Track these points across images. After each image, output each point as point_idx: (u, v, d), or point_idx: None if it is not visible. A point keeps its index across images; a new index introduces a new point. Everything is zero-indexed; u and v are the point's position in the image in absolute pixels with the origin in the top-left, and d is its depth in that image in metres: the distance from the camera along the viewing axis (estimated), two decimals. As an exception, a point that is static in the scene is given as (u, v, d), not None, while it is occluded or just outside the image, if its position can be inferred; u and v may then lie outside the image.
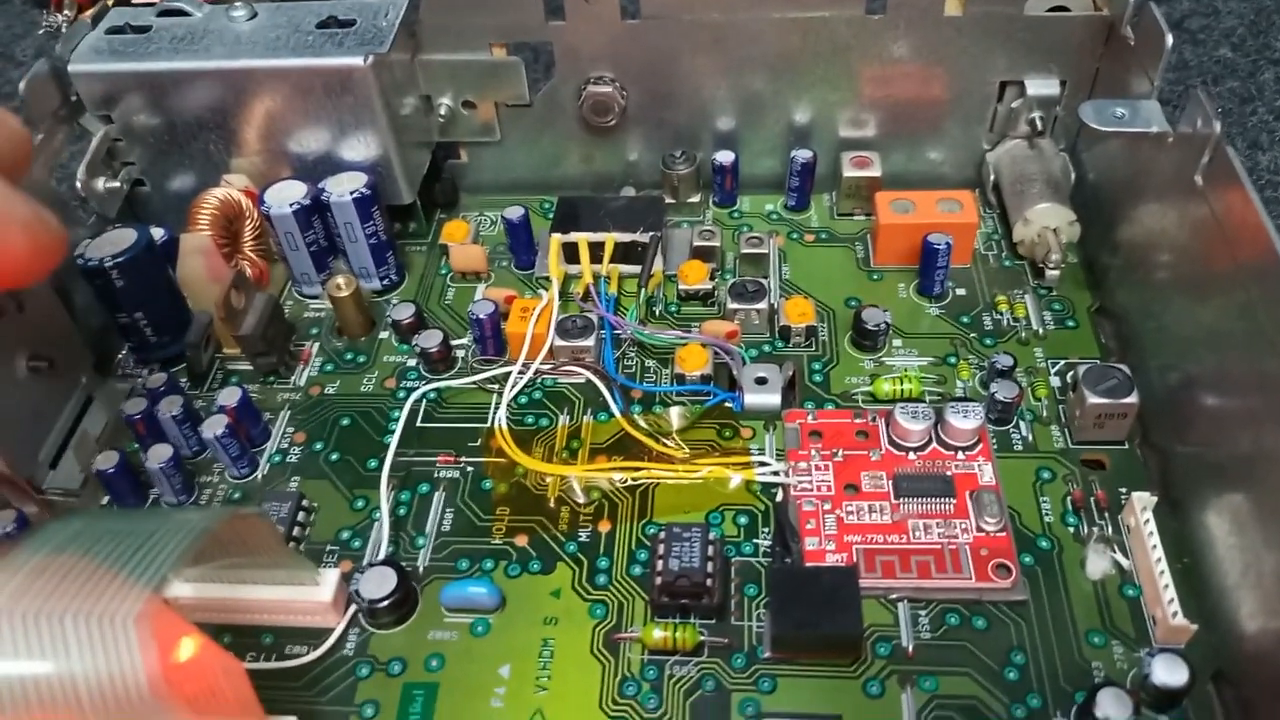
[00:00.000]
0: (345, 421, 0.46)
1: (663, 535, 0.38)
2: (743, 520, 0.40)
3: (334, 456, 0.44)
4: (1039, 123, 0.50)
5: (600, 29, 0.49)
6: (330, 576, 0.38)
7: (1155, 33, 0.43)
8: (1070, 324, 0.47)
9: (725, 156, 0.53)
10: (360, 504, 0.42)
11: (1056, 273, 0.48)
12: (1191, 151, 0.40)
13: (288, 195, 0.48)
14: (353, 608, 0.38)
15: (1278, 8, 0.68)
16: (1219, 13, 0.68)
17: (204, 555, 0.37)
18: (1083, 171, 0.50)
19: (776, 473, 0.41)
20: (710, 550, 0.37)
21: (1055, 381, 0.44)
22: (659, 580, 0.36)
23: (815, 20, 0.49)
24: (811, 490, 0.40)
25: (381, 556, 0.40)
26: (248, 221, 0.49)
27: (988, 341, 0.46)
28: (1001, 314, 0.48)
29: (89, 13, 0.58)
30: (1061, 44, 0.48)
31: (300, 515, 0.42)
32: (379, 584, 0.38)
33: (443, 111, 0.52)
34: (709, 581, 0.36)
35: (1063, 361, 0.45)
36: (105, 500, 0.43)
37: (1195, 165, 0.39)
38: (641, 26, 0.49)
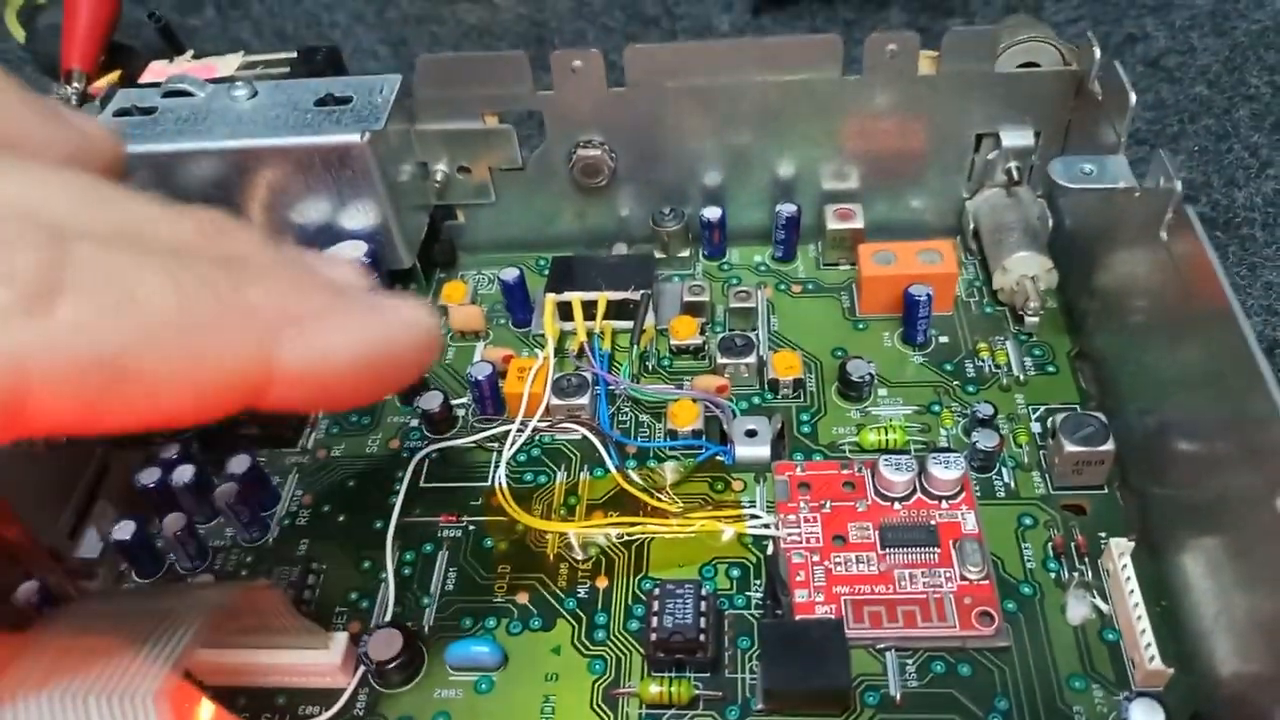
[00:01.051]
0: (352, 483, 0.47)
1: (657, 592, 0.39)
2: (735, 573, 0.42)
3: (341, 518, 0.46)
4: (1015, 172, 0.52)
5: (587, 96, 0.51)
6: (339, 640, 0.40)
7: (1120, 90, 0.45)
8: (1050, 369, 0.49)
9: (713, 212, 0.55)
10: (367, 565, 0.44)
11: (1036, 320, 0.49)
12: (1157, 205, 0.41)
13: (291, 265, 0.50)
14: (361, 669, 0.40)
15: (1251, 44, 0.69)
16: (1195, 50, 0.70)
17: (219, 624, 0.39)
18: (1060, 218, 0.52)
19: (767, 525, 0.43)
20: (703, 606, 0.39)
21: (1036, 428, 0.46)
22: (654, 637, 0.38)
23: (795, 82, 0.50)
24: (800, 542, 0.42)
25: (388, 617, 0.42)
26: (254, 291, 0.51)
27: (970, 389, 0.48)
28: (983, 361, 0.49)
29: (98, 86, 0.61)
30: (1034, 98, 0.50)
31: (309, 579, 0.43)
32: (386, 646, 0.39)
33: (438, 177, 0.54)
34: (702, 637, 0.38)
35: (1043, 407, 0.47)
36: (124, 567, 0.45)
37: (1159, 219, 0.41)
38: (627, 93, 0.51)
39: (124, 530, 0.44)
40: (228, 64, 0.53)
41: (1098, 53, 0.47)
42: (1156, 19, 0.73)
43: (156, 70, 0.54)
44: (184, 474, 0.45)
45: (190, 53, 0.55)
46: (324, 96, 0.50)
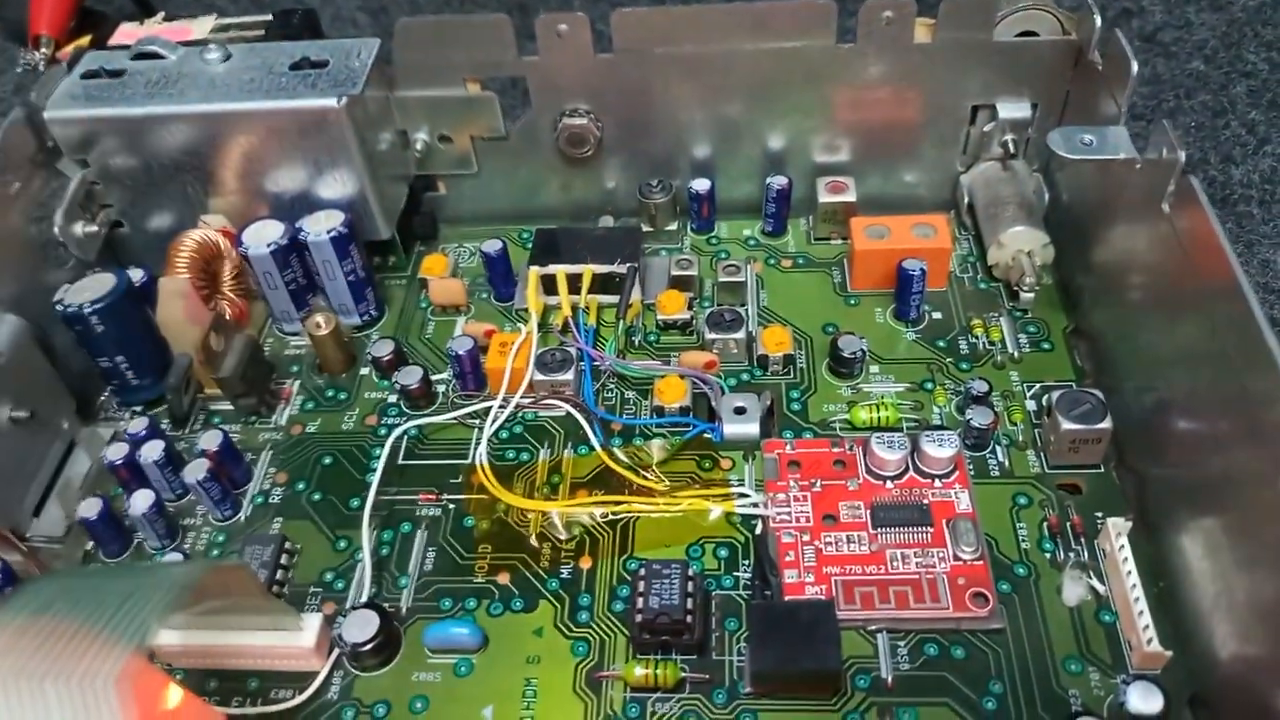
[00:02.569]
0: (327, 460, 0.46)
1: (642, 572, 0.38)
2: (723, 553, 0.41)
3: (316, 496, 0.44)
4: (1011, 145, 0.51)
5: (573, 63, 0.50)
6: (313, 621, 0.38)
7: (1122, 59, 0.43)
8: (1045, 346, 0.47)
9: (701, 184, 0.53)
10: (343, 544, 0.43)
11: (1031, 296, 0.48)
12: (1159, 177, 0.40)
13: (265, 235, 0.48)
14: (336, 651, 0.39)
15: (1249, 19, 0.68)
16: (1191, 25, 0.68)
17: (186, 604, 0.37)
18: (1056, 192, 0.51)
19: (755, 504, 0.42)
20: (690, 586, 0.37)
21: (1031, 405, 0.45)
22: (639, 619, 0.37)
23: (787, 50, 0.49)
24: (790, 522, 0.40)
25: (364, 598, 0.40)
26: (226, 262, 0.50)
27: (964, 366, 0.47)
28: (977, 337, 0.48)
29: (65, 51, 0.59)
30: (1031, 68, 0.49)
31: (283, 558, 0.42)
32: (361, 628, 0.38)
33: (419, 146, 0.53)
34: (689, 619, 0.37)
35: (1038, 385, 0.46)
36: (89, 546, 0.44)
37: (1162, 191, 0.40)
38: (615, 59, 0.50)
39: (90, 508, 0.42)
40: (200, 26, 0.51)
41: (1098, 21, 0.45)
42: (1153, -8, 0.72)
43: (126, 32, 0.52)
44: (153, 450, 0.44)
45: (161, 14, 0.53)
46: (299, 60, 0.48)
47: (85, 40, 0.60)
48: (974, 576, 0.38)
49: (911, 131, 0.52)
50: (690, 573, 0.38)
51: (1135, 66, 0.42)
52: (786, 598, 0.38)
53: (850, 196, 0.52)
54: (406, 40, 0.49)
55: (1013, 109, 0.50)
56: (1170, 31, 0.67)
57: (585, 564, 0.41)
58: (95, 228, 0.50)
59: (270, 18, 0.52)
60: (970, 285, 0.51)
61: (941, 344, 0.48)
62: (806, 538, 0.40)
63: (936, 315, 0.49)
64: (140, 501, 0.42)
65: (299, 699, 0.38)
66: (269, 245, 0.48)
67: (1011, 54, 0.48)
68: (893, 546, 0.39)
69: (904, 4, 0.47)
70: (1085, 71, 0.47)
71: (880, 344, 0.48)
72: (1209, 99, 0.63)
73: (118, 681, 0.29)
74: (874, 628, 0.38)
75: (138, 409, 0.49)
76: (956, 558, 0.39)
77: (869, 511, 0.40)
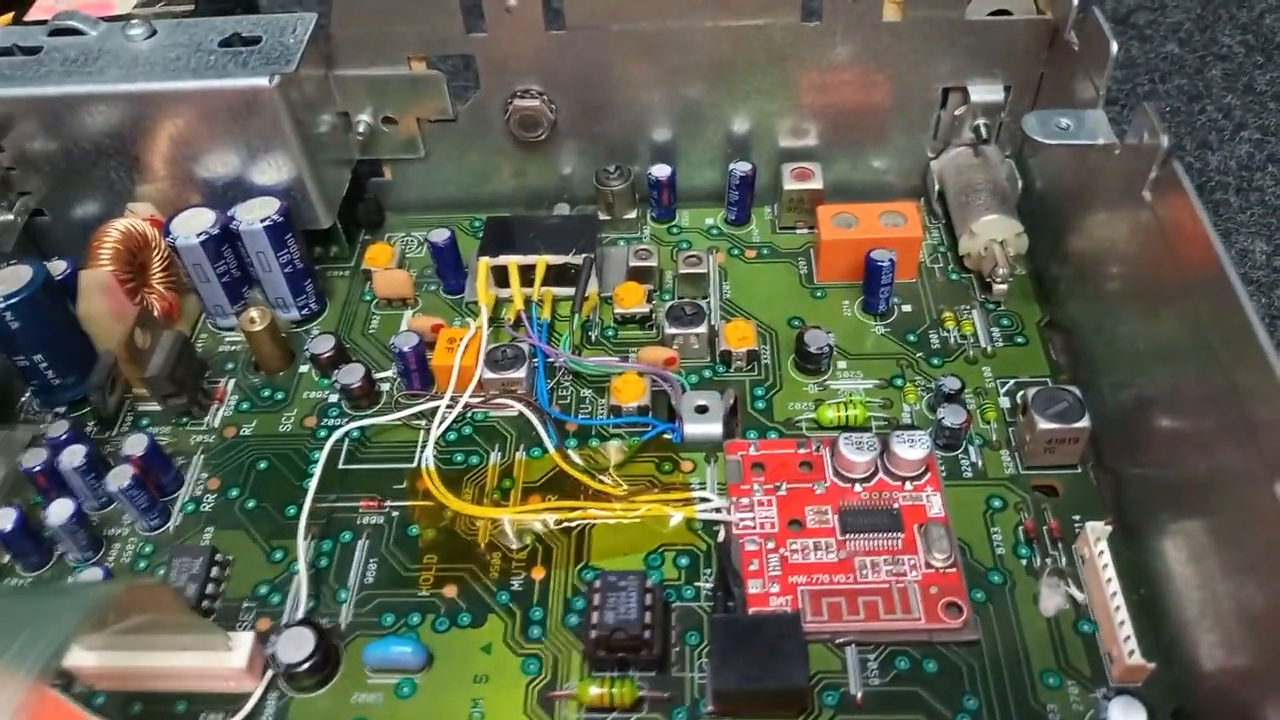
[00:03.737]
0: (263, 465, 0.43)
1: (598, 584, 0.35)
2: (684, 562, 0.38)
3: (250, 504, 0.42)
4: (984, 130, 0.49)
5: (524, 40, 0.47)
6: (243, 640, 0.36)
7: (1099, 39, 0.41)
8: (1019, 340, 0.46)
9: (661, 170, 0.51)
10: (279, 555, 0.40)
11: (1004, 287, 0.46)
12: (1139, 162, 0.38)
13: (195, 224, 0.45)
14: (270, 672, 0.36)
15: (1223, 2, 0.67)
16: (1166, 7, 0.67)
17: (104, 623, 0.35)
18: (1030, 179, 0.49)
19: (718, 509, 0.39)
20: (648, 599, 0.35)
21: (1005, 403, 0.43)
22: (594, 634, 0.34)
23: (750, 28, 0.47)
24: (754, 528, 0.38)
25: (300, 614, 0.38)
26: (155, 252, 0.47)
27: (935, 361, 0.45)
28: (948, 331, 0.46)
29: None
30: (1004, 49, 0.47)
31: (214, 570, 0.39)
32: (297, 646, 0.35)
33: (361, 129, 0.50)
34: (647, 634, 0.34)
35: (1012, 381, 0.44)
36: (6, 559, 0.40)
37: (1143, 177, 0.38)
38: (568, 37, 0.47)
39: (5, 519, 0.39)
40: (123, 1, 0.48)
41: (1075, 0, 0.43)
42: (1125, -26, 0.70)
43: (43, 6, 0.48)
44: (74, 456, 0.41)
45: (82, -12, 0.50)
46: (230, 37, 0.45)
47: (8, 18, 0.57)
48: (947, 585, 0.36)
49: (880, 115, 0.50)
50: (649, 584, 0.35)
51: (1114, 47, 0.40)
52: (751, 610, 0.36)
53: (816, 183, 0.50)
54: (346, 14, 0.46)
55: (985, 92, 0.48)
56: (1144, 14, 0.66)
57: (538, 575, 0.38)
58: (12, 217, 0.47)
59: (201, -8, 0.49)
60: (941, 276, 0.49)
61: (912, 338, 0.46)
62: (771, 545, 0.38)
63: (906, 308, 0.47)
64: (59, 511, 0.39)
65: (230, 724, 0.35)
66: (199, 235, 0.45)
67: (984, 34, 0.46)
68: (862, 554, 0.37)
69: (872, -20, 0.45)
70: (1060, 53, 0.45)
71: (848, 338, 0.46)
72: (1184, 83, 0.61)
73: (16, 713, 0.26)
74: (842, 640, 0.36)
75: (60, 410, 0.46)
76: (929, 565, 0.37)
77: (837, 517, 0.38)
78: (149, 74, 0.44)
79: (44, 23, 0.47)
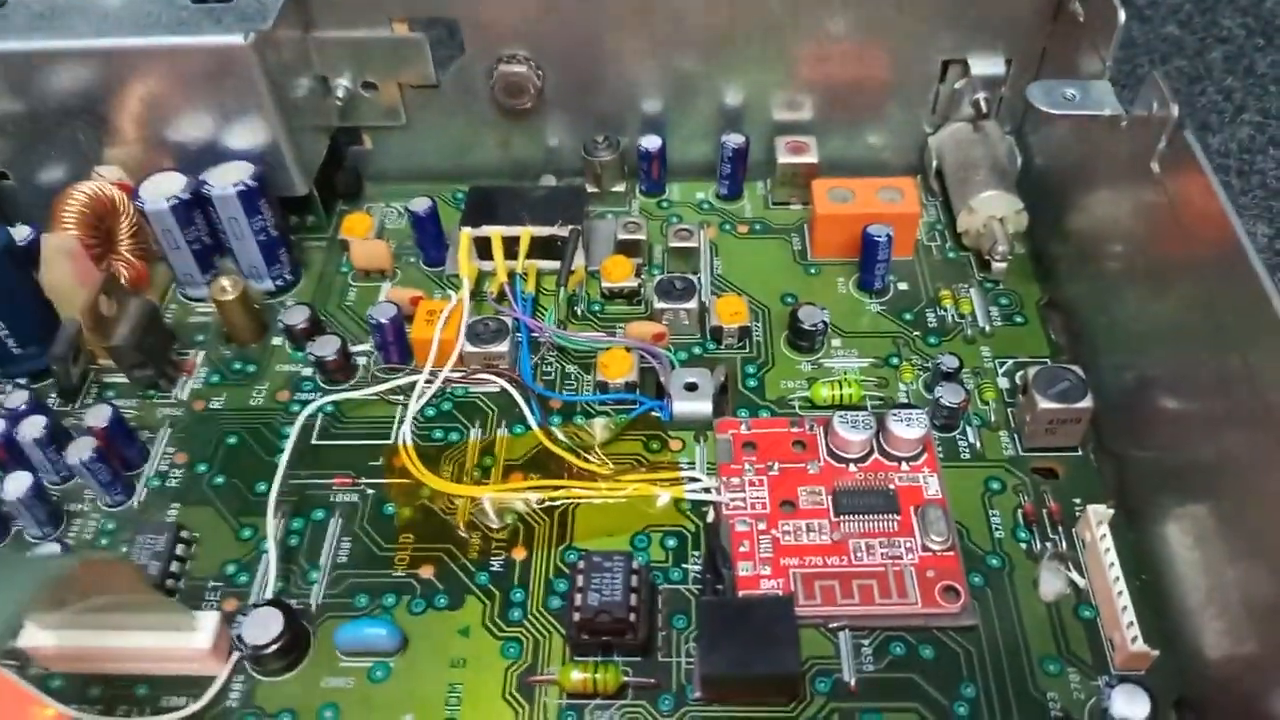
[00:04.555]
0: (232, 440, 0.41)
1: (582, 565, 0.34)
2: (671, 543, 0.37)
3: (219, 480, 0.40)
4: (983, 104, 0.47)
5: (511, 3, 0.45)
6: (209, 621, 0.34)
7: (1107, 9, 0.40)
8: (1018, 319, 0.44)
9: (651, 142, 0.49)
10: (247, 533, 0.38)
11: (1003, 266, 0.45)
12: (1146, 136, 0.37)
13: (165, 189, 0.43)
14: (236, 654, 0.34)
15: (1224, -17, 0.66)
16: (1165, -13, 0.66)
17: (61, 601, 0.33)
18: (1030, 155, 0.48)
19: (707, 489, 0.38)
20: (634, 581, 0.34)
21: (1004, 383, 0.42)
22: (577, 616, 0.33)
23: (745, -6, 0.45)
24: (745, 508, 0.37)
25: (268, 594, 0.36)
26: (123, 218, 0.45)
27: (932, 340, 0.43)
28: (946, 310, 0.45)
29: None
30: (1007, 20, 0.46)
31: (179, 548, 0.37)
32: (264, 627, 0.34)
33: (340, 94, 0.48)
34: (632, 617, 0.33)
35: (1011, 361, 0.43)
36: (-40, 534, 0.39)
37: (1150, 150, 0.36)
38: (556, 1, 0.45)
39: (-42, 492, 0.37)
40: (93, -45, 0.46)
41: (1082, -33, 0.42)
42: (1126, -46, 0.69)
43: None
44: (34, 427, 0.39)
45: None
46: (204, -8, 0.43)
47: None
48: (944, 569, 0.35)
49: (877, 88, 0.49)
50: (635, 565, 0.34)
51: (1123, 15, 0.39)
52: (740, 593, 0.34)
53: (811, 158, 0.49)
54: (326, -27, 0.44)
55: (986, 65, 0.47)
56: (1144, -6, 0.65)
57: (519, 555, 0.37)
58: (-28, 178, 0.45)
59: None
60: (938, 254, 0.47)
61: (908, 316, 0.44)
62: (762, 526, 0.36)
63: (903, 286, 0.46)
64: (15, 485, 0.37)
65: (194, 707, 0.34)
66: (169, 200, 0.43)
67: (985, 5, 0.45)
68: (856, 536, 0.36)
69: (872, -55, 0.43)
70: (1065, 24, 0.44)
71: (843, 316, 0.44)
72: (1185, 64, 0.60)
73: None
74: (835, 625, 0.34)
75: (21, 381, 0.44)
76: (925, 548, 0.35)
77: (831, 497, 0.37)
78: (119, 30, 0.42)
79: (8, -25, 0.44)
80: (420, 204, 0.46)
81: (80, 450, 0.38)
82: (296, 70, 0.45)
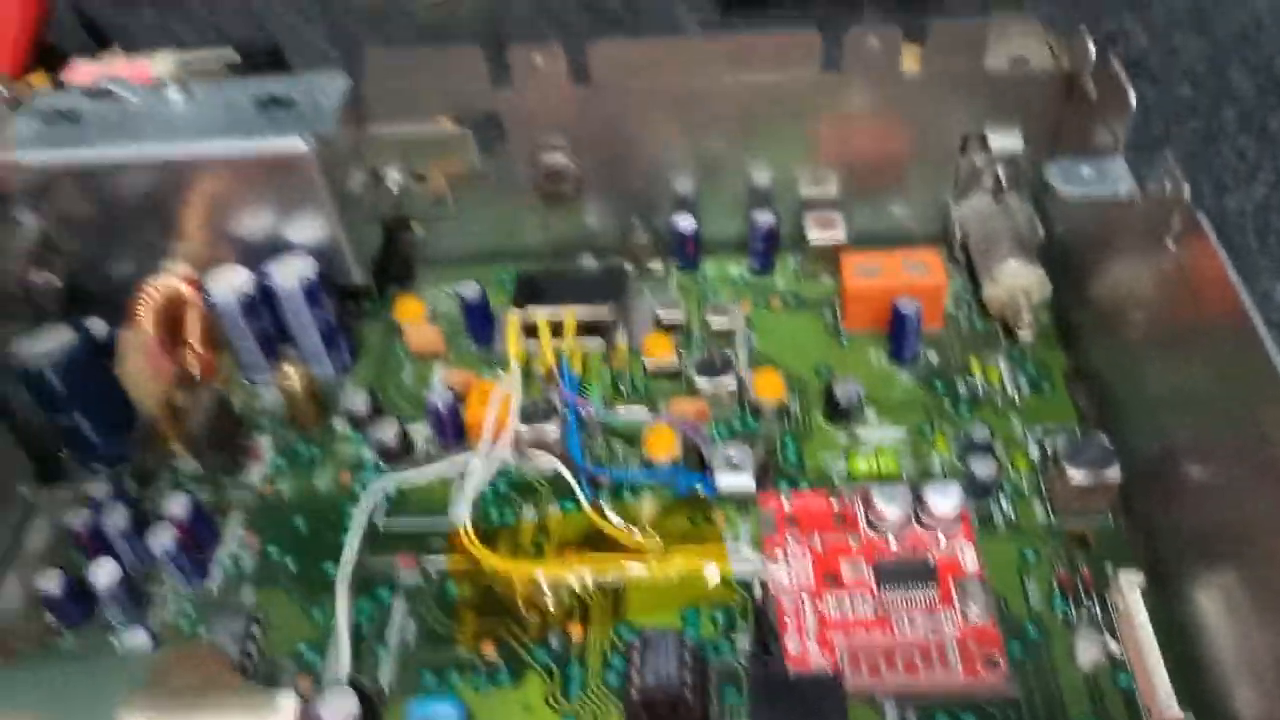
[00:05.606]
0: (299, 522, 0.43)
1: (638, 644, 0.36)
2: (721, 617, 0.39)
3: (290, 562, 0.42)
4: (1003, 177, 0.49)
5: (551, 97, 0.48)
6: (286, 700, 0.36)
7: (1118, 91, 0.42)
8: (1045, 388, 0.46)
9: (686, 222, 0.51)
10: (318, 615, 0.40)
11: (1029, 334, 0.47)
12: (1161, 211, 0.39)
13: (232, 283, 0.46)
14: (313, 734, 0.36)
15: (1233, 44, 0.68)
16: (1176, 50, 0.68)
17: (154, 695, 0.35)
18: (1050, 226, 0.49)
19: (753, 564, 0.40)
20: (688, 657, 0.35)
21: (1034, 452, 0.43)
22: (635, 696, 0.35)
23: (771, 83, 0.47)
24: (790, 583, 0.39)
25: (342, 674, 0.38)
26: (191, 311, 0.47)
27: (963, 410, 0.45)
28: (975, 379, 0.46)
29: (22, 89, 0.56)
30: (1022, 97, 0.47)
31: (254, 630, 0.39)
32: (340, 706, 0.35)
33: (392, 186, 0.50)
34: (687, 694, 0.35)
35: (1040, 429, 0.44)
36: (49, 620, 0.41)
37: (1165, 225, 0.38)
38: (592, 93, 0.48)
39: (50, 580, 0.40)
40: (159, 62, 0.49)
41: (1092, 51, 0.44)
42: (1136, 17, 0.71)
43: (81, 69, 0.49)
44: (118, 516, 0.41)
45: (117, 48, 0.51)
46: (264, 98, 0.46)
47: (41, 78, 0.58)
48: (984, 639, 0.37)
49: (900, 164, 0.51)
50: (688, 643, 0.36)
51: (1134, 97, 0.41)
52: (790, 668, 0.36)
53: (839, 232, 0.51)
54: (377, 73, 0.47)
55: (1004, 140, 0.49)
56: (1156, 56, 0.67)
57: (576, 632, 0.39)
58: (52, 278, 0.48)
59: (233, 52, 0.50)
60: (965, 323, 0.49)
61: (939, 386, 0.46)
62: (808, 600, 0.38)
63: (933, 356, 0.48)
64: (105, 573, 0.40)
65: (274, 785, 0.35)
66: (237, 294, 0.45)
67: (1002, 83, 0.47)
68: (899, 608, 0.38)
69: (890, 34, 0.45)
70: (1078, 101, 0.46)
71: (876, 387, 0.46)
72: (1199, 125, 0.62)
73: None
74: (880, 697, 0.36)
75: (98, 469, 0.46)
76: (965, 619, 0.37)
77: (872, 570, 0.39)
78: (187, 137, 0.45)
79: (83, 87, 0.48)
80: (470, 290, 0.48)
81: (162, 538, 0.41)
82: (351, 166, 0.48)
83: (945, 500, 0.39)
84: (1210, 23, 0.69)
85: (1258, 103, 0.63)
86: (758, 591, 0.39)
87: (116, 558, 0.41)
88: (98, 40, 0.62)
